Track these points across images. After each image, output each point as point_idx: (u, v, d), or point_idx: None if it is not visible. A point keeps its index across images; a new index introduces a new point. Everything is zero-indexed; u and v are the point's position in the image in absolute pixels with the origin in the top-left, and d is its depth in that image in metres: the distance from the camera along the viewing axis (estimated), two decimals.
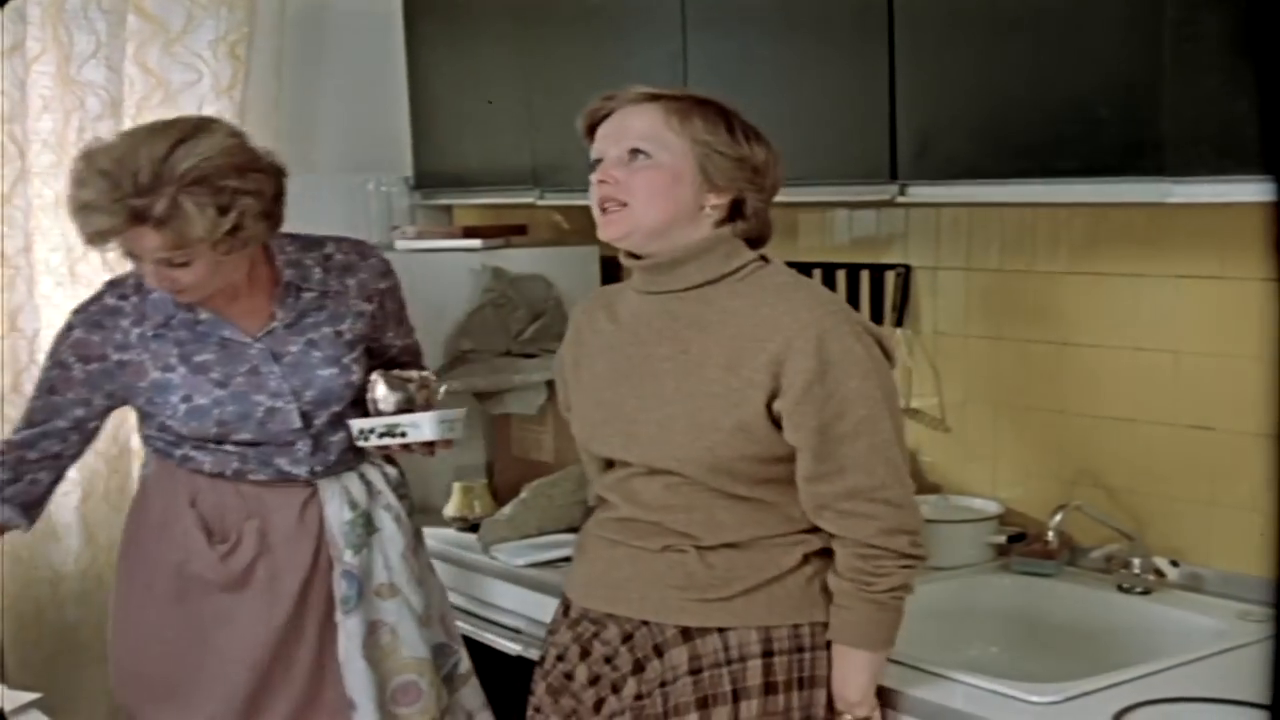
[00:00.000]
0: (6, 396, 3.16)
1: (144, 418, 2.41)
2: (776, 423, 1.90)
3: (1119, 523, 2.40)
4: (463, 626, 2.84)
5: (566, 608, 2.13)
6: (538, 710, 2.13)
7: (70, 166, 2.20)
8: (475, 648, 2.79)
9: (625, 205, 1.94)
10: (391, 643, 2.44)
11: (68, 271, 3.24)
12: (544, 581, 2.63)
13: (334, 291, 2.42)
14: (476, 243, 3.28)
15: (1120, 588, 2.35)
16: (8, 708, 2.22)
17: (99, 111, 3.23)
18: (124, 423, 3.34)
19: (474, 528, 2.90)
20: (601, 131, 1.99)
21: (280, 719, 2.39)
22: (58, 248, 3.23)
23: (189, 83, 3.37)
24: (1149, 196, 1.96)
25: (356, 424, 2.40)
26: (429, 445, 2.40)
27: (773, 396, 1.89)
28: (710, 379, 1.92)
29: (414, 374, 2.43)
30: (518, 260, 3.28)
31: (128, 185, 2.10)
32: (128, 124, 3.30)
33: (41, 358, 3.21)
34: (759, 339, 1.90)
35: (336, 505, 2.41)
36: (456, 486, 3.04)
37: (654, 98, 1.96)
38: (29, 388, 3.19)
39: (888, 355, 1.94)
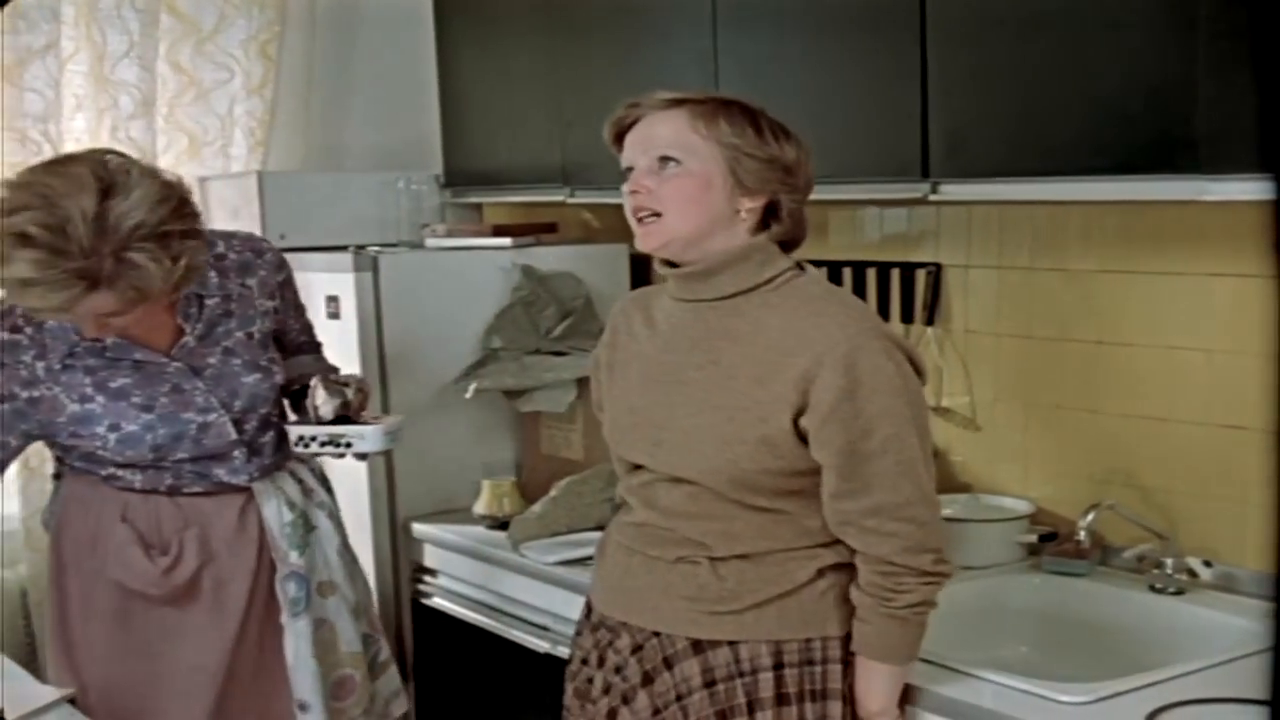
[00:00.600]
0: None
1: (66, 450, 2.32)
2: (802, 438, 1.89)
3: (1151, 522, 2.39)
4: (491, 624, 2.85)
5: (589, 610, 2.13)
6: (568, 711, 2.13)
7: None
8: (504, 645, 2.80)
9: (659, 215, 1.93)
10: (331, 639, 2.44)
11: None
12: (573, 579, 2.63)
13: (237, 295, 2.35)
14: (506, 241, 3.29)
15: (1152, 588, 2.34)
16: (41, 703, 2.23)
17: (131, 110, 3.26)
18: None
19: (503, 525, 2.90)
20: (629, 140, 1.98)
21: None
22: None
23: (220, 81, 3.40)
24: (1183, 194, 1.95)
25: (296, 430, 2.36)
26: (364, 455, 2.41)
27: (799, 412, 1.87)
28: (739, 391, 1.91)
29: (349, 377, 2.41)
30: (548, 258, 3.28)
31: (70, 251, 1.95)
32: (160, 123, 3.33)
33: None
34: (789, 354, 1.88)
35: (275, 507, 2.39)
36: (485, 484, 3.05)
37: (679, 103, 1.94)
38: None
39: (919, 371, 1.92)
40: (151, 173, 2.09)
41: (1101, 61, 2.04)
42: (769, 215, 1.96)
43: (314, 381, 2.37)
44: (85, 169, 2.02)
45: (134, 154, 3.19)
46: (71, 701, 2.24)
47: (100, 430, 2.24)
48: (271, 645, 2.40)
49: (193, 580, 2.34)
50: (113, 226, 1.97)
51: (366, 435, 2.35)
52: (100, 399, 2.23)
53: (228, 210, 3.34)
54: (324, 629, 2.44)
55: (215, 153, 3.44)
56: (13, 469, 3.18)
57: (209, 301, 2.31)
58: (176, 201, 2.08)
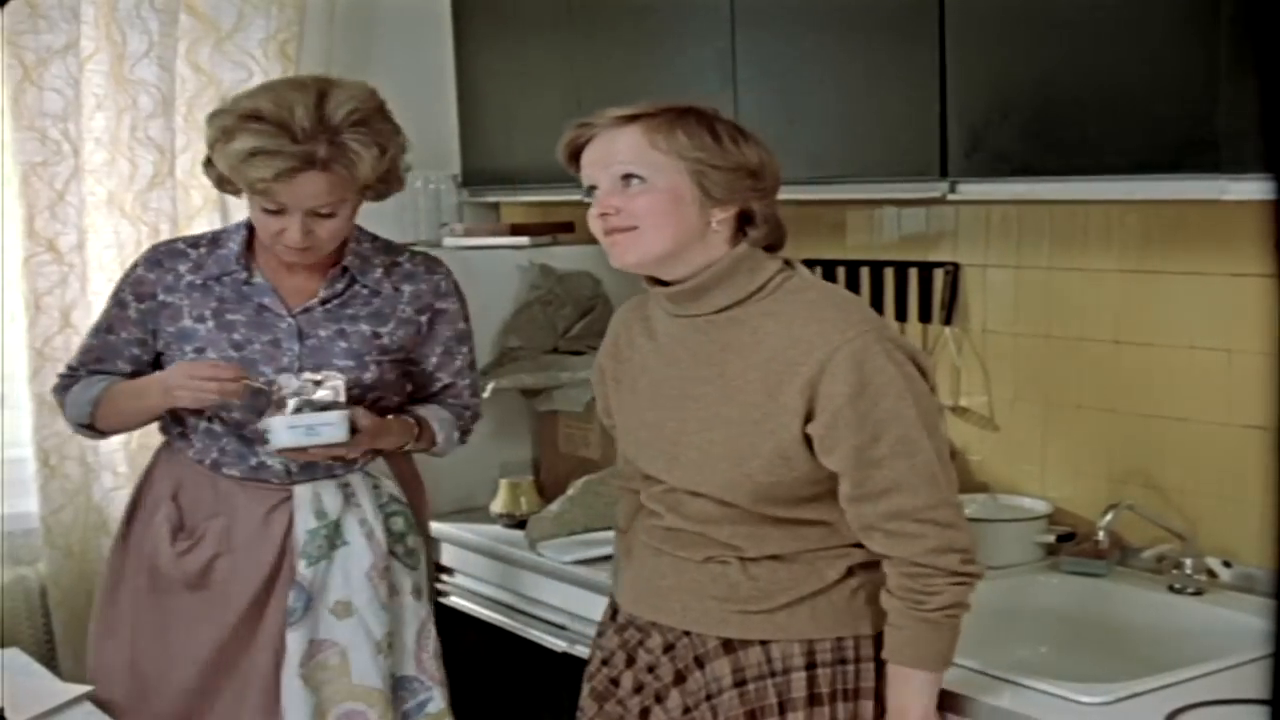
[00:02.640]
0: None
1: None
2: (811, 446, 1.87)
3: (1171, 523, 2.38)
4: (508, 623, 2.85)
5: (614, 612, 2.12)
6: (582, 712, 2.12)
7: (210, 126, 2.27)
8: (521, 644, 2.80)
9: (631, 229, 1.89)
10: (340, 665, 2.34)
11: (120, 268, 3.27)
12: (590, 579, 2.63)
13: (386, 294, 2.41)
14: (524, 240, 3.29)
15: (1172, 588, 2.33)
16: (61, 700, 2.24)
17: (151, 110, 3.26)
18: None
19: (520, 524, 2.91)
20: (587, 158, 1.94)
21: None
22: (110, 245, 3.26)
23: (239, 81, 3.40)
24: (1204, 194, 1.94)
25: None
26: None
27: (807, 420, 1.86)
28: (749, 404, 1.89)
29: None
30: (565, 258, 3.28)
31: (294, 129, 2.19)
32: (179, 122, 3.34)
33: None
34: (793, 362, 1.86)
35: (304, 513, 2.36)
36: (503, 483, 3.05)
37: (632, 118, 1.90)
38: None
39: (923, 371, 1.90)
40: (361, 81, 2.35)
41: (1122, 60, 2.04)
42: (744, 223, 1.94)
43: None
44: (307, 78, 2.36)
45: (153, 153, 3.25)
46: (91, 699, 2.25)
47: (188, 350, 2.33)
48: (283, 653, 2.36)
49: (205, 569, 2.36)
50: (329, 115, 2.21)
51: (271, 429, 2.23)
52: (210, 324, 2.35)
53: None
54: (329, 651, 2.35)
55: None
56: (30, 468, 3.21)
57: (357, 286, 2.39)
58: (380, 104, 2.32)
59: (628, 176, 1.89)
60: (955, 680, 1.99)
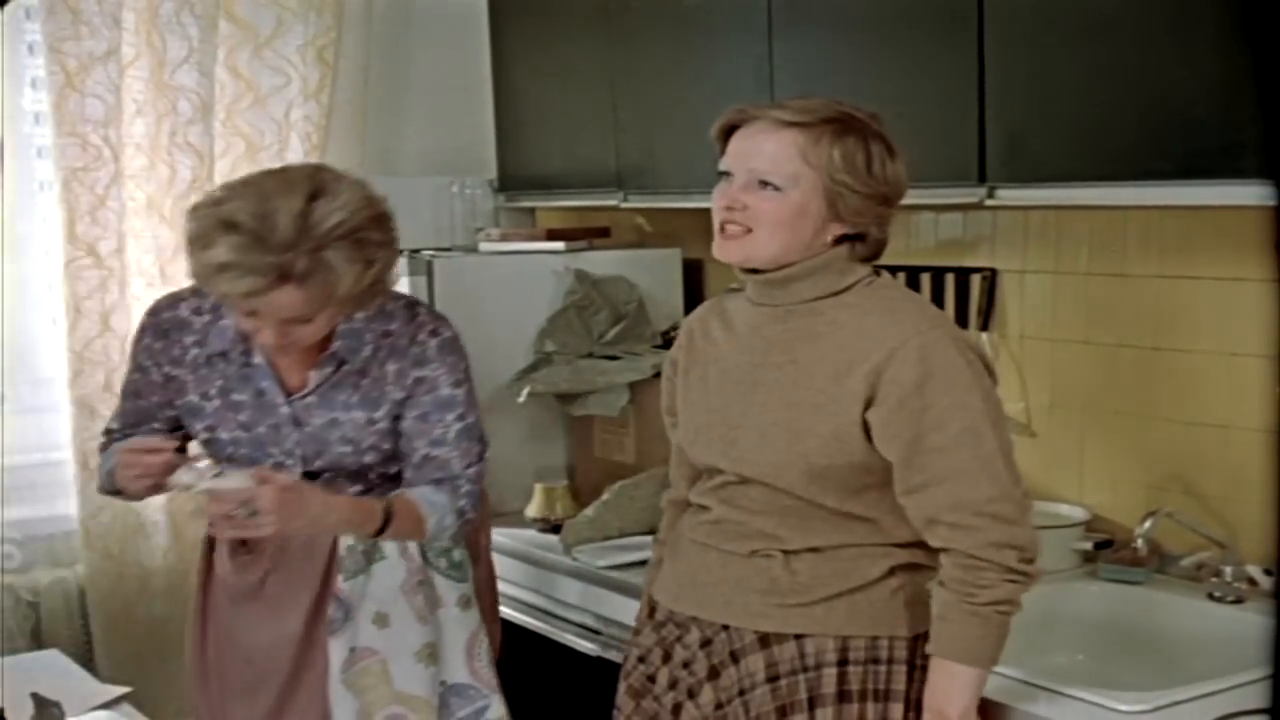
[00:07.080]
0: (99, 395, 3.22)
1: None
2: (869, 434, 1.88)
3: (1210, 530, 2.36)
4: (543, 627, 2.85)
5: (652, 609, 2.13)
6: (618, 710, 2.14)
7: (189, 224, 2.09)
8: (554, 648, 2.81)
9: (748, 231, 1.92)
10: (381, 673, 2.37)
11: (159, 273, 3.30)
12: (625, 583, 2.63)
13: (374, 375, 2.28)
14: (560, 245, 3.30)
15: (1211, 596, 2.32)
16: (99, 701, 2.26)
17: (190, 115, 3.29)
18: None
19: (555, 529, 2.91)
20: (734, 146, 1.95)
21: None
22: (149, 249, 3.29)
23: (278, 87, 3.42)
24: (1246, 199, 1.92)
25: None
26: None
27: (868, 405, 1.87)
28: (814, 388, 1.91)
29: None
30: (600, 262, 3.29)
31: (271, 241, 2.00)
32: (218, 127, 3.36)
33: None
34: (863, 350, 1.88)
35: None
36: (538, 488, 3.06)
37: (793, 124, 1.91)
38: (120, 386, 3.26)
39: (990, 373, 1.92)
40: (360, 183, 2.16)
41: (1163, 64, 2.03)
42: (855, 236, 1.96)
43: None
44: (300, 174, 2.12)
45: (192, 159, 3.27)
46: (129, 700, 2.27)
47: (198, 426, 2.33)
48: None
49: (259, 584, 2.41)
50: (314, 224, 2.03)
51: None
52: (216, 402, 2.31)
53: None
54: (370, 659, 2.38)
55: (272, 157, 3.46)
56: (70, 470, 3.24)
57: (347, 367, 2.27)
58: (378, 211, 2.14)
59: (765, 183, 1.90)
60: (992, 687, 1.98)
